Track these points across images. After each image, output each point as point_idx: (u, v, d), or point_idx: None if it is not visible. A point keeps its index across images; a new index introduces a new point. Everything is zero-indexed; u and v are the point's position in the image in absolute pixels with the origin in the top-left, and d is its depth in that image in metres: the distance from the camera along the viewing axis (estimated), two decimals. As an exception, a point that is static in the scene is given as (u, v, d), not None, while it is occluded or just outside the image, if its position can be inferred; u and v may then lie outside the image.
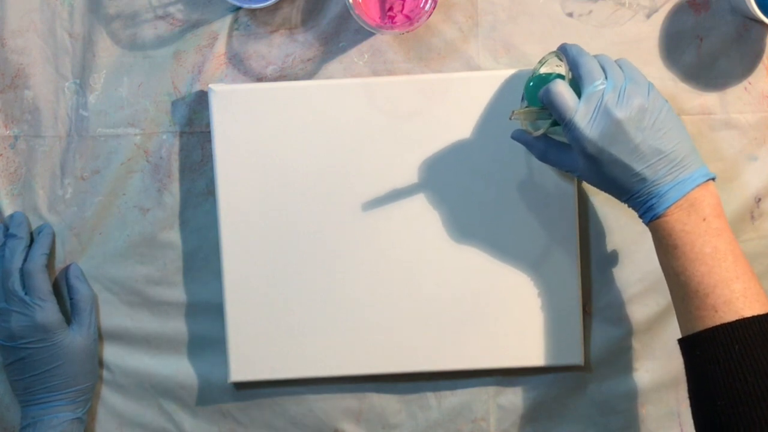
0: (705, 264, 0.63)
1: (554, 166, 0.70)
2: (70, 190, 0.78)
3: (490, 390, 0.78)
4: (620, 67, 0.66)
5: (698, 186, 0.64)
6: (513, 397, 0.78)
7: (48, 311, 0.74)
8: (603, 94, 0.63)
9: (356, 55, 0.76)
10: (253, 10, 0.76)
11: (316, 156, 0.75)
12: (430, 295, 0.75)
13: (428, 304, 0.75)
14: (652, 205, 0.64)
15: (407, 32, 0.72)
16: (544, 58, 0.70)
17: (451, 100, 0.74)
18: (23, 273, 0.74)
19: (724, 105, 0.76)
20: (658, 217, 0.64)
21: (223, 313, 0.76)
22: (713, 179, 0.65)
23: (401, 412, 0.78)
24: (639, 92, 0.64)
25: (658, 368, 0.77)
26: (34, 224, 0.78)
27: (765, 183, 0.76)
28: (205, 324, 0.78)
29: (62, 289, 0.78)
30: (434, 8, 0.71)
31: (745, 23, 0.75)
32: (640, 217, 0.66)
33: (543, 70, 0.70)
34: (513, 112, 0.68)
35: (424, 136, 0.74)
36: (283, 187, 0.75)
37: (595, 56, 0.67)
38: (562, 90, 0.64)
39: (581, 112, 0.63)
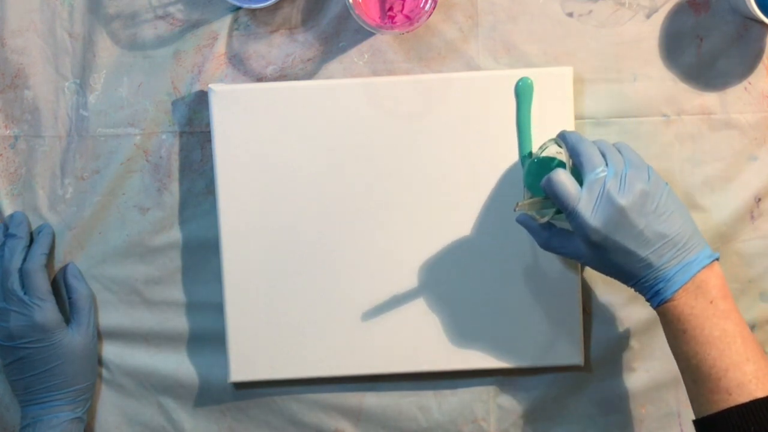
0: (715, 347, 0.63)
1: (558, 253, 0.69)
2: (70, 190, 0.78)
3: (490, 390, 0.78)
4: (619, 151, 0.66)
5: (704, 268, 0.64)
6: (513, 397, 0.78)
7: (47, 311, 0.74)
8: (605, 181, 0.64)
9: (356, 55, 0.76)
10: (253, 10, 0.76)
11: (316, 156, 0.75)
12: (430, 296, 0.75)
13: (428, 304, 0.75)
14: (660, 289, 0.64)
15: (407, 32, 0.72)
16: (544, 144, 0.71)
17: (451, 100, 0.74)
18: (22, 273, 0.74)
19: (724, 105, 0.76)
20: (666, 302, 0.64)
21: (223, 313, 0.76)
22: (717, 259, 0.65)
23: (401, 413, 0.78)
24: (640, 177, 0.64)
25: (658, 368, 0.77)
26: (34, 224, 0.78)
27: (765, 183, 0.76)
28: (205, 323, 0.78)
29: (61, 289, 0.78)
30: (434, 8, 0.71)
31: (745, 23, 0.75)
32: (648, 301, 0.66)
33: (543, 155, 0.71)
34: (517, 204, 0.68)
35: (424, 136, 0.74)
36: (283, 187, 0.75)
37: (594, 141, 0.67)
38: (564, 179, 0.64)
39: (584, 201, 0.63)
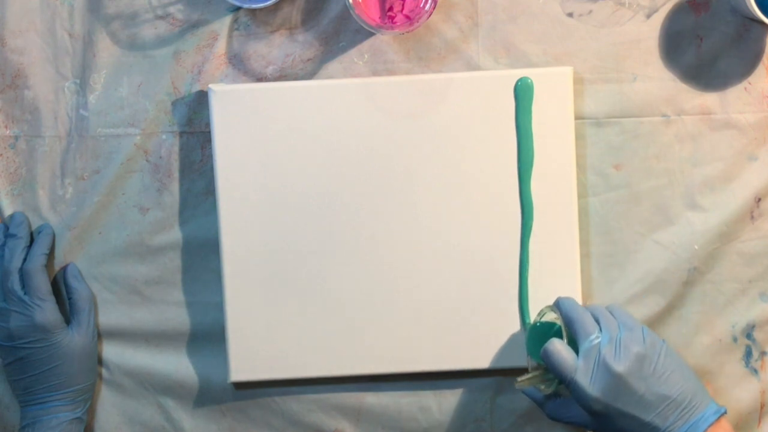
0: None
1: (565, 422, 0.69)
2: (70, 190, 0.78)
3: (490, 390, 0.78)
4: (612, 314, 0.67)
5: (711, 425, 0.63)
6: (513, 397, 0.78)
7: (47, 311, 0.74)
8: (600, 348, 0.64)
9: (356, 55, 0.76)
10: (253, 10, 0.76)
11: (316, 156, 0.75)
12: (430, 296, 0.75)
13: (428, 304, 0.75)
14: None
15: (407, 32, 0.72)
16: (541, 310, 0.72)
17: (451, 100, 0.74)
18: (23, 273, 0.74)
19: (724, 105, 0.76)
20: None
21: (223, 313, 0.76)
22: (724, 413, 0.65)
23: (401, 413, 0.78)
24: (635, 339, 0.64)
25: (658, 368, 0.77)
26: (34, 224, 0.78)
27: (765, 183, 0.76)
28: (205, 323, 0.78)
29: (61, 289, 0.78)
30: (434, 8, 0.71)
31: (745, 23, 0.75)
32: None
33: (542, 320, 0.72)
34: (517, 380, 0.69)
35: (423, 136, 0.74)
36: (283, 188, 0.75)
37: (587, 307, 0.68)
38: (560, 349, 0.65)
39: (581, 371, 0.64)
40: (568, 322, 0.67)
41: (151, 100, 0.77)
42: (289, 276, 0.75)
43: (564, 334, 0.67)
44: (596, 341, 0.64)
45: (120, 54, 0.77)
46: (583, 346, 0.65)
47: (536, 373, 0.69)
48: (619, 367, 0.63)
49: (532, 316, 0.75)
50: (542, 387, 0.69)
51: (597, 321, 0.67)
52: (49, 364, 0.74)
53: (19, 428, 0.75)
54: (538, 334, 0.71)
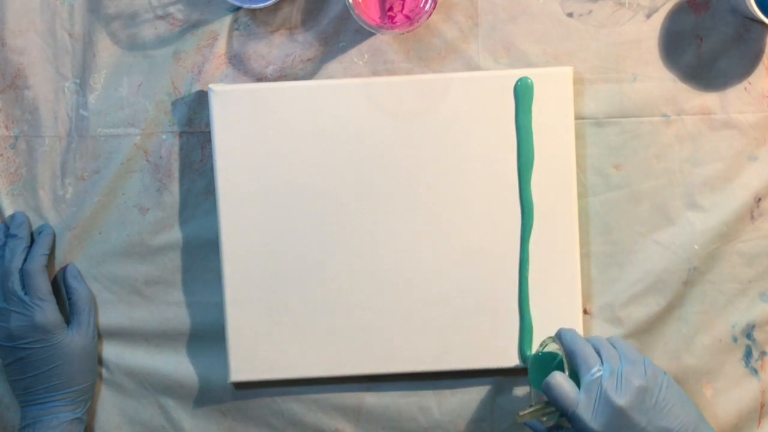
0: None
1: None
2: (71, 190, 0.78)
3: (490, 390, 0.78)
4: (613, 346, 0.67)
5: None
6: (513, 397, 0.78)
7: (47, 311, 0.74)
8: (601, 381, 0.64)
9: (356, 55, 0.76)
10: (253, 10, 0.76)
11: (316, 156, 0.75)
12: (430, 295, 0.75)
13: (428, 304, 0.75)
14: None
15: (407, 32, 0.72)
16: (543, 341, 0.72)
17: (451, 100, 0.74)
18: (23, 273, 0.74)
19: (724, 105, 0.76)
20: None
21: (223, 313, 0.76)
22: None
23: (401, 413, 0.78)
24: (636, 372, 0.64)
25: (658, 368, 0.77)
26: (35, 224, 0.78)
27: (765, 183, 0.76)
28: (205, 323, 0.78)
29: (61, 290, 0.78)
30: (434, 8, 0.71)
31: (745, 23, 0.75)
32: None
33: (544, 351, 0.72)
34: (518, 414, 0.69)
35: (423, 136, 0.74)
36: (283, 187, 0.75)
37: (589, 339, 0.68)
38: (561, 382, 0.65)
39: (583, 404, 0.64)
40: (570, 354, 0.67)
41: (151, 100, 0.77)
42: (289, 276, 0.75)
43: (565, 366, 0.67)
44: (597, 375, 0.65)
45: (120, 54, 0.77)
46: (585, 380, 0.65)
47: (538, 406, 0.69)
48: (621, 400, 0.63)
49: (533, 320, 0.75)
50: (544, 419, 0.69)
51: (598, 353, 0.67)
52: (49, 365, 0.74)
53: (19, 428, 0.75)
54: (539, 364, 0.71)
